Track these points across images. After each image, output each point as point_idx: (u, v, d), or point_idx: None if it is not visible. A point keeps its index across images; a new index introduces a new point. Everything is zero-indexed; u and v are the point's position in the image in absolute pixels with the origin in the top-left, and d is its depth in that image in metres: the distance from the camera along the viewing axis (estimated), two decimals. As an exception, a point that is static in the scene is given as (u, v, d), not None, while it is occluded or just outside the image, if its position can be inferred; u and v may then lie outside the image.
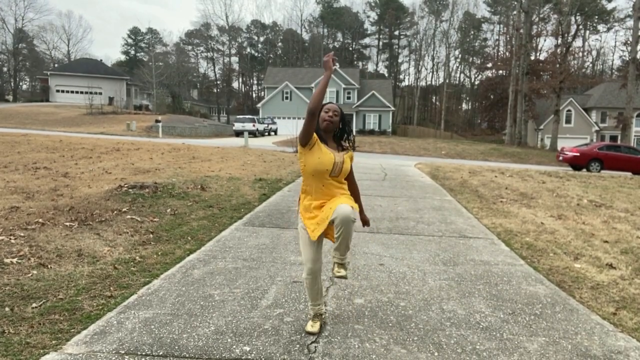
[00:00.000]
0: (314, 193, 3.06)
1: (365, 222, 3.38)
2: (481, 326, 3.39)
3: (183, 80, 73.64)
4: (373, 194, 9.39)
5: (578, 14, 45.07)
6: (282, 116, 50.41)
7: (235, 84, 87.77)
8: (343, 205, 2.91)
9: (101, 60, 69.61)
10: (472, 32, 77.70)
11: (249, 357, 2.80)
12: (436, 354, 2.95)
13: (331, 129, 3.07)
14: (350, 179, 3.25)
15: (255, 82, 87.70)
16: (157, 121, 32.64)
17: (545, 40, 62.29)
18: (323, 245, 3.16)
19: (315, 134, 3.00)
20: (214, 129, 42.78)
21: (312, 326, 3.18)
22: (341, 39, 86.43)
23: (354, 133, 3.25)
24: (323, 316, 3.29)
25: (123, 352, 2.80)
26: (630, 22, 49.60)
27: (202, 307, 3.52)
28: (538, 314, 3.67)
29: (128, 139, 22.65)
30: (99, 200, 6.81)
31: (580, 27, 50.80)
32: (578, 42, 60.11)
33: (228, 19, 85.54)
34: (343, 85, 53.18)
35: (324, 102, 3.06)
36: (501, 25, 75.24)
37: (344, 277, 3.13)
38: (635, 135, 43.41)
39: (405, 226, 6.60)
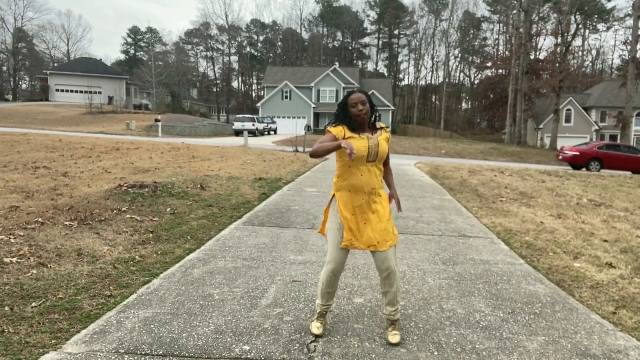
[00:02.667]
0: (352, 186, 2.95)
1: (399, 205, 3.26)
2: (481, 325, 3.39)
3: (183, 79, 73.63)
4: (373, 194, 9.38)
5: (578, 13, 45.05)
6: (282, 116, 50.37)
7: (235, 84, 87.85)
8: (390, 258, 2.93)
9: (101, 59, 69.60)
10: (472, 32, 77.70)
11: (249, 356, 2.80)
12: (436, 353, 2.95)
13: (365, 121, 2.96)
14: (386, 164, 3.15)
15: (255, 81, 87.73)
16: (156, 121, 32.62)
17: (545, 40, 62.36)
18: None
19: (342, 127, 2.94)
20: (214, 129, 42.77)
21: (319, 328, 3.10)
22: (341, 39, 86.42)
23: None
24: (327, 316, 3.25)
25: (123, 351, 2.80)
26: (630, 22, 49.67)
27: (202, 306, 3.52)
28: (538, 313, 3.67)
29: (128, 139, 22.65)
30: (99, 199, 6.81)
31: (580, 26, 50.77)
32: (578, 42, 60.14)
33: (228, 18, 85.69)
34: (343, 85, 53.15)
35: (351, 92, 3.02)
36: (501, 25, 75.24)
37: (399, 344, 3.01)
38: (635, 135, 43.39)
39: (405, 225, 6.60)
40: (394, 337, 3.04)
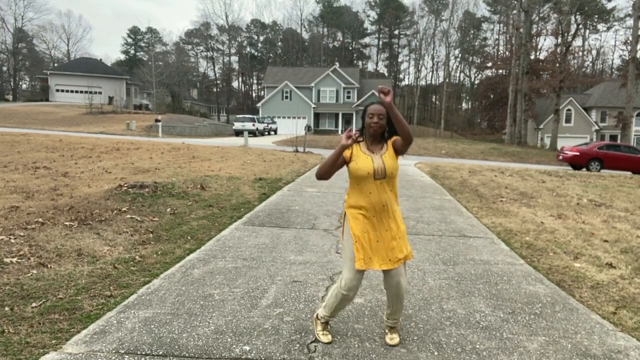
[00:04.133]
0: (362, 205, 2.90)
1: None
2: (481, 325, 3.39)
3: (183, 79, 73.65)
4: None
5: (578, 13, 45.02)
6: (282, 116, 50.37)
7: (235, 84, 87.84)
8: (401, 274, 2.90)
9: (101, 59, 69.61)
10: (472, 32, 77.68)
11: (249, 356, 2.80)
12: (436, 353, 2.95)
13: (379, 133, 2.93)
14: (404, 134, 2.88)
15: (255, 81, 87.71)
16: (156, 120, 32.61)
17: (545, 40, 62.28)
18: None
19: (352, 146, 2.94)
20: (214, 129, 42.76)
21: (327, 336, 3.04)
22: (341, 39, 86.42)
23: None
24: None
25: (123, 351, 2.80)
26: (630, 22, 49.68)
27: (202, 306, 3.52)
28: (538, 313, 3.67)
29: (128, 139, 22.64)
30: (99, 199, 6.81)
31: (580, 26, 50.74)
32: (578, 42, 60.07)
33: (228, 18, 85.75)
34: (343, 85, 53.17)
35: (369, 103, 3.00)
36: (501, 25, 75.32)
37: (398, 344, 3.02)
38: (635, 135, 43.42)
39: (405, 225, 6.59)
40: (392, 340, 3.04)
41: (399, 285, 2.93)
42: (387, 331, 3.12)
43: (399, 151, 2.97)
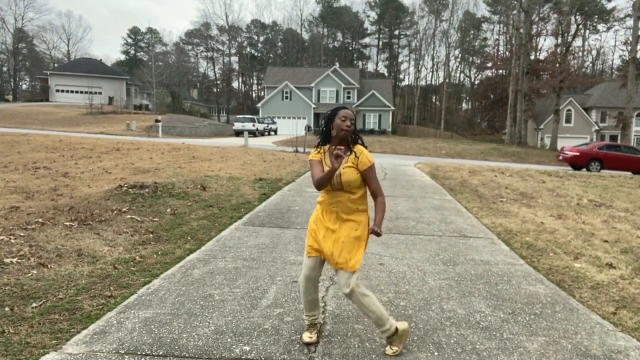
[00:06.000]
0: (323, 201, 2.95)
1: (375, 233, 2.88)
2: (481, 326, 3.39)
3: (183, 80, 73.66)
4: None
5: (578, 13, 45.05)
6: (282, 116, 50.36)
7: (235, 84, 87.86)
8: (341, 279, 2.83)
9: (101, 60, 69.66)
10: (472, 32, 77.68)
11: (249, 356, 2.80)
12: (436, 353, 2.95)
13: (347, 137, 2.86)
14: (375, 195, 2.91)
15: (255, 81, 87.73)
16: (157, 121, 32.63)
17: (545, 40, 62.43)
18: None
19: (317, 149, 2.94)
20: (214, 129, 42.77)
21: (310, 337, 2.99)
22: (341, 39, 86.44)
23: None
24: (319, 326, 3.16)
25: (123, 351, 2.80)
26: (630, 22, 49.65)
27: (202, 306, 3.52)
28: (538, 313, 3.67)
29: (128, 139, 22.65)
30: (99, 200, 6.81)
31: (580, 26, 50.77)
32: (578, 42, 60.10)
33: (228, 18, 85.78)
34: (343, 85, 53.18)
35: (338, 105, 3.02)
36: (501, 25, 75.31)
37: (396, 354, 2.88)
38: (635, 135, 43.40)
39: (405, 226, 6.60)
40: (389, 351, 2.90)
41: (345, 290, 2.83)
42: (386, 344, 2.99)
43: (366, 183, 2.92)
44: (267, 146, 24.39)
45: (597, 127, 48.55)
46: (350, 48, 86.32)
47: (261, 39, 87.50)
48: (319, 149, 2.96)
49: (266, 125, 41.21)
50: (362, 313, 3.05)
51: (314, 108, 51.74)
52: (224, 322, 3.27)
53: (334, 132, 2.86)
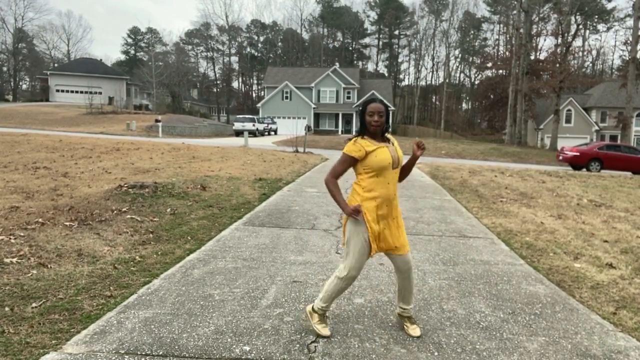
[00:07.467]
0: (379, 195, 2.99)
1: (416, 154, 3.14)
2: (481, 326, 3.39)
3: (183, 80, 73.62)
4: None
5: (578, 13, 45.05)
6: (282, 116, 50.37)
7: (235, 84, 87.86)
8: (410, 257, 3.14)
9: (101, 60, 69.67)
10: (472, 32, 77.69)
11: (249, 356, 2.80)
12: (436, 353, 2.95)
13: (379, 131, 3.02)
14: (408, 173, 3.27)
15: (255, 81, 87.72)
16: (157, 121, 32.63)
17: (545, 40, 62.48)
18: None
19: (360, 142, 2.98)
20: (214, 129, 42.77)
21: (326, 329, 3.12)
22: (341, 39, 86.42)
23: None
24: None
25: (123, 351, 2.80)
26: (630, 22, 49.71)
27: (202, 306, 3.52)
28: (538, 313, 3.67)
29: (128, 139, 22.65)
30: (99, 200, 6.81)
31: (580, 26, 50.78)
32: (578, 42, 60.16)
33: (228, 18, 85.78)
34: (343, 85, 53.16)
35: (367, 100, 3.12)
36: (501, 25, 75.31)
37: (420, 336, 3.15)
38: (635, 135, 43.41)
39: (405, 226, 6.58)
40: (415, 330, 3.17)
41: (410, 269, 3.14)
42: (405, 322, 3.23)
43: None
44: (267, 146, 24.39)
45: (597, 127, 48.55)
46: (350, 48, 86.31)
47: (261, 39, 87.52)
48: (355, 141, 3.00)
49: (266, 125, 41.20)
50: (408, 288, 3.21)
51: (314, 108, 51.74)
52: (224, 322, 3.27)
53: (369, 129, 3.01)
